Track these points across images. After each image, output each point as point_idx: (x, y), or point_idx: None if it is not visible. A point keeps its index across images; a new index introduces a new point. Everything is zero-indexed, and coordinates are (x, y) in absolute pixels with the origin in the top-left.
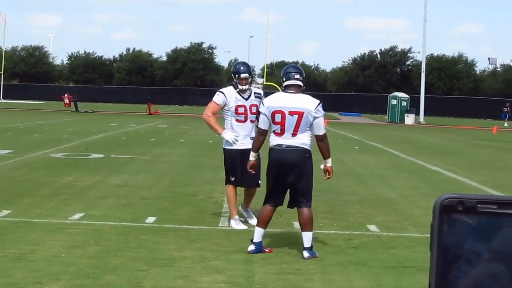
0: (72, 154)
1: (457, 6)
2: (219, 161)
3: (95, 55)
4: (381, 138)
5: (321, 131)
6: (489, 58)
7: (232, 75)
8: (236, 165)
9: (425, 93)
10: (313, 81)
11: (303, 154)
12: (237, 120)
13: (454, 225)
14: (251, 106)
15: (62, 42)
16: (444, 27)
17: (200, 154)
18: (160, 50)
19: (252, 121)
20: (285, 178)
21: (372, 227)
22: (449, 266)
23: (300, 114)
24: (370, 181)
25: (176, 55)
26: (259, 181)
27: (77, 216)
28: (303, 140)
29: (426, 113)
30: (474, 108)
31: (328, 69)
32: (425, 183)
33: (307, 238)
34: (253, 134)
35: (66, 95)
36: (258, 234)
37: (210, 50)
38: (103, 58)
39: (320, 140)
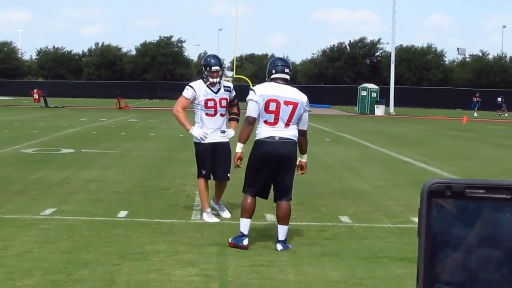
0: (43, 150)
1: None
2: (190, 155)
3: (64, 50)
4: (352, 130)
5: (305, 126)
6: (458, 49)
7: (203, 68)
8: (207, 158)
9: (395, 84)
10: None
11: (294, 147)
12: (206, 114)
13: (442, 211)
14: (220, 99)
15: (30, 37)
16: (413, 18)
17: (171, 148)
18: (129, 44)
19: (222, 115)
20: (274, 171)
21: (345, 218)
22: (437, 252)
23: (295, 105)
24: (341, 172)
25: (145, 49)
26: (229, 175)
27: (48, 211)
28: (293, 132)
29: (396, 104)
30: (444, 99)
31: (298, 61)
32: (397, 174)
33: (283, 231)
34: (224, 127)
35: (35, 90)
36: (247, 225)
37: (179, 44)
38: (72, 53)
39: (303, 135)
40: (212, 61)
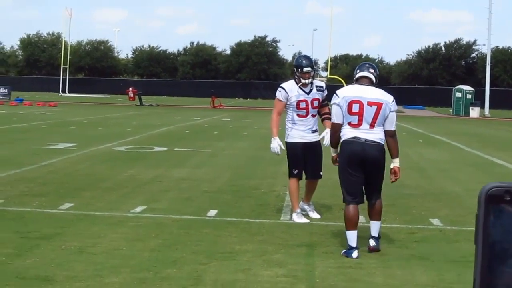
0: (136, 148)
1: None
2: (281, 155)
3: (159, 49)
4: (446, 131)
5: (393, 127)
6: None
7: (294, 68)
8: (298, 158)
9: (490, 86)
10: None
11: (382, 151)
12: (298, 115)
13: (501, 217)
14: (312, 100)
15: (126, 36)
16: (510, 19)
17: (263, 148)
18: (224, 43)
19: (313, 115)
20: (365, 173)
21: (435, 221)
22: (496, 261)
23: (379, 105)
24: (433, 174)
25: (239, 49)
26: (321, 173)
27: (138, 209)
28: (380, 135)
29: (491, 106)
30: None
31: (392, 62)
32: (490, 177)
33: (376, 227)
34: (315, 127)
35: (130, 88)
36: (354, 237)
37: (273, 44)
38: (167, 52)
39: (391, 136)
40: (304, 62)
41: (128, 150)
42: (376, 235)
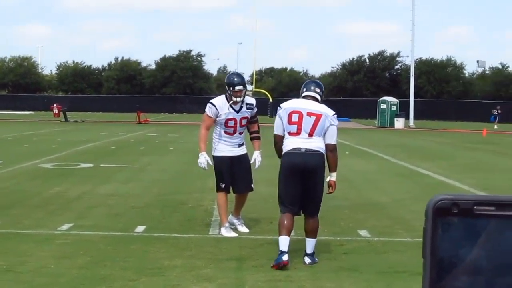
0: (62, 164)
1: (445, 9)
2: (209, 169)
3: (84, 64)
4: (371, 143)
5: (333, 140)
6: (477, 61)
7: (226, 86)
8: (225, 171)
9: (415, 97)
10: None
11: (322, 159)
12: (225, 132)
13: (449, 230)
14: (241, 118)
15: (50, 52)
16: (432, 30)
17: (190, 162)
18: (148, 58)
19: (240, 133)
20: (303, 184)
21: (363, 232)
22: (444, 275)
23: (318, 116)
24: (361, 185)
25: (165, 63)
26: (252, 185)
27: (66, 226)
28: (319, 143)
29: (416, 117)
30: (464, 111)
31: (317, 74)
32: (416, 187)
33: (311, 244)
34: (242, 142)
35: (55, 105)
36: (286, 243)
37: (198, 58)
38: (92, 68)
39: (331, 150)
40: (236, 79)
41: (54, 167)
42: (311, 252)
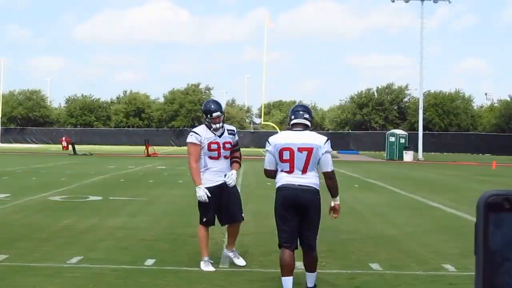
0: (70, 197)
1: (454, 43)
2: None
3: (92, 97)
4: (380, 176)
5: (329, 168)
6: (486, 94)
7: (204, 114)
8: (209, 204)
9: (423, 129)
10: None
11: (316, 195)
12: (210, 157)
13: (501, 225)
14: (224, 143)
15: (59, 85)
16: (441, 64)
17: None
18: (157, 91)
19: (225, 157)
20: (299, 219)
21: (375, 266)
22: (497, 270)
23: (310, 150)
24: (371, 218)
25: (173, 96)
26: (242, 215)
27: (75, 259)
28: (313, 179)
29: (424, 150)
30: (473, 144)
31: (326, 107)
32: (426, 220)
33: (311, 278)
34: (227, 171)
35: (64, 138)
36: (289, 284)
37: (207, 91)
38: (101, 101)
39: (329, 177)
40: (213, 106)
41: (63, 200)
42: (312, 286)
